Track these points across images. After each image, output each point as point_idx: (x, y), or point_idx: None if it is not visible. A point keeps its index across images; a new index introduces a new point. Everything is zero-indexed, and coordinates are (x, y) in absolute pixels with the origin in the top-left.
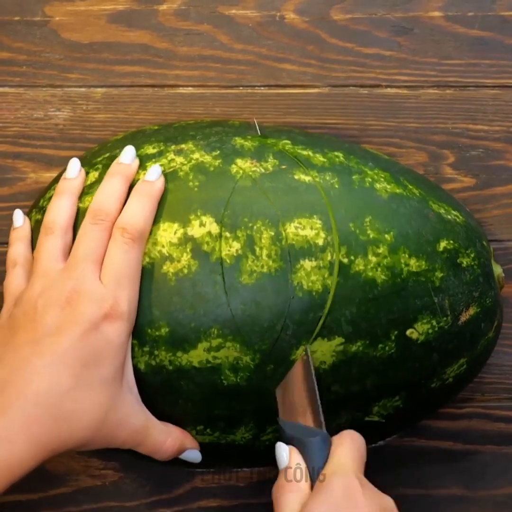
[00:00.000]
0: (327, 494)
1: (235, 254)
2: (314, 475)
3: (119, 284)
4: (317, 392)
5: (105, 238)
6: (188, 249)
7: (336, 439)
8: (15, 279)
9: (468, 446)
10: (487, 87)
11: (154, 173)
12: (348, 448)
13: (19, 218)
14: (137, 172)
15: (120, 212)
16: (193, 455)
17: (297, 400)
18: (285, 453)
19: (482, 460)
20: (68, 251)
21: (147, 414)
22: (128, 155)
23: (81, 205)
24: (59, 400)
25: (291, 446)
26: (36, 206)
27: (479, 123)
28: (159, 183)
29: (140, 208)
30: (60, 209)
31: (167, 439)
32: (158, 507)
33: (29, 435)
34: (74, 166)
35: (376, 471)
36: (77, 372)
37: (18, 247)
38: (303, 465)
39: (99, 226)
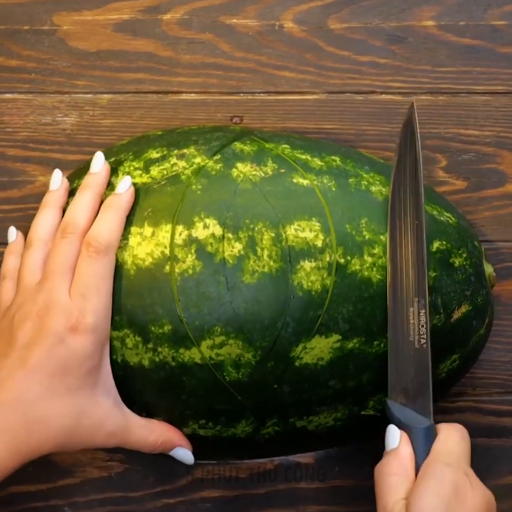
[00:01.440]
0: (437, 487)
1: (237, 255)
2: (419, 463)
3: (85, 297)
4: (430, 380)
5: (74, 250)
6: (192, 250)
7: (444, 429)
8: (5, 293)
9: None
10: (478, 94)
11: (123, 186)
12: (457, 440)
13: (12, 233)
14: (142, 175)
15: (92, 222)
16: (184, 454)
17: (409, 384)
18: (396, 436)
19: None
20: None
21: (126, 415)
22: (97, 163)
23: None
24: (27, 408)
25: (402, 431)
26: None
27: (470, 128)
28: (126, 195)
29: (106, 222)
30: (41, 223)
31: (150, 436)
32: (162, 498)
33: (3, 439)
34: (56, 178)
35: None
36: (45, 383)
37: (9, 261)
38: (412, 450)
39: (67, 239)
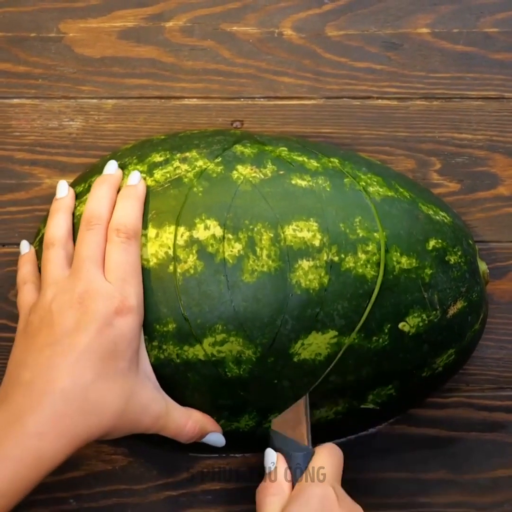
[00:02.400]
0: (304, 501)
1: (237, 255)
2: (295, 484)
3: (125, 281)
4: (308, 412)
5: (102, 240)
6: (194, 251)
7: (318, 451)
8: (27, 294)
9: (453, 433)
10: (471, 99)
11: (135, 178)
12: (326, 459)
13: (25, 246)
14: (145, 178)
15: (111, 215)
16: (216, 438)
17: (290, 415)
18: (273, 459)
19: (466, 446)
20: (71, 260)
21: (166, 399)
22: (111, 167)
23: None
24: (83, 394)
25: (278, 453)
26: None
27: (464, 132)
28: (141, 185)
29: (129, 209)
30: (57, 225)
31: (188, 422)
32: (164, 490)
33: (59, 429)
34: (63, 187)
35: (368, 456)
36: (97, 366)
37: (26, 268)
38: (288, 471)
39: (94, 230)
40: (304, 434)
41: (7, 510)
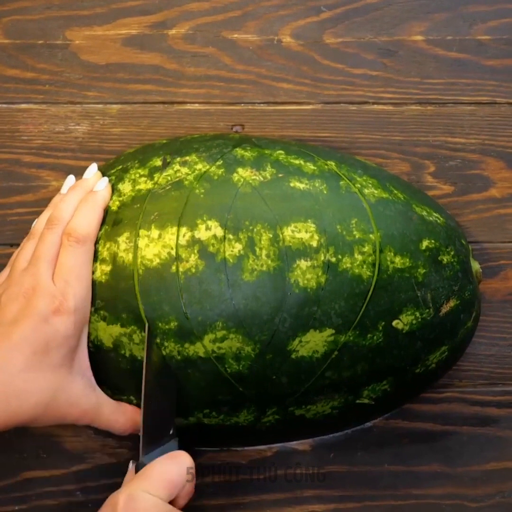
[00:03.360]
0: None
1: (237, 254)
2: None
3: (67, 283)
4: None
5: (57, 241)
6: (195, 251)
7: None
8: (0, 277)
9: (447, 427)
10: (464, 104)
11: (101, 184)
12: (152, 467)
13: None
14: (146, 181)
15: None
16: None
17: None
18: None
19: (459, 440)
20: None
21: (99, 395)
22: (90, 172)
23: None
24: (9, 379)
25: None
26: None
27: (457, 136)
28: (104, 192)
29: (84, 215)
30: (42, 218)
31: (121, 417)
32: None
33: None
34: (69, 182)
35: (364, 449)
36: (28, 357)
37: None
38: None
39: (51, 230)
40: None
41: None
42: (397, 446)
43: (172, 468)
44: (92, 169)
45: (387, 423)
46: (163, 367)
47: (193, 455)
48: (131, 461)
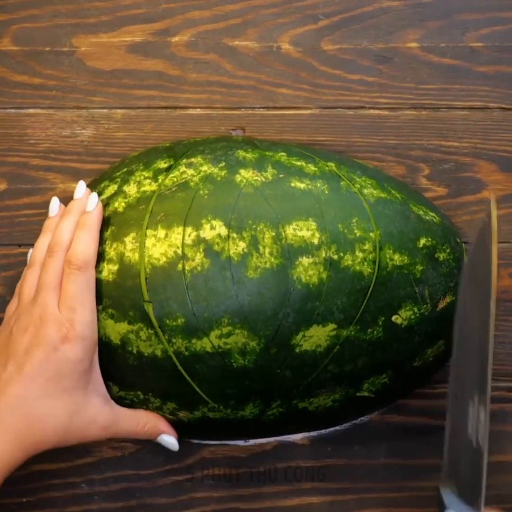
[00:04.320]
0: None
1: (241, 253)
2: None
3: (72, 310)
4: (484, 480)
5: (59, 267)
6: (201, 249)
7: None
8: (9, 309)
9: (441, 421)
10: (457, 109)
11: (91, 203)
12: None
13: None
14: (151, 183)
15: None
16: (169, 440)
17: (463, 478)
18: None
19: None
20: None
21: (115, 409)
22: (79, 190)
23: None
24: (28, 409)
25: None
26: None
27: (450, 140)
28: (96, 212)
29: (81, 241)
30: (39, 245)
31: (137, 425)
32: (171, 475)
33: (7, 437)
34: (54, 205)
35: (361, 443)
36: (42, 386)
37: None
38: None
39: (53, 258)
40: (479, 502)
41: None
42: (392, 440)
43: None
44: (81, 188)
45: (383, 418)
46: None
47: (195, 448)
48: None
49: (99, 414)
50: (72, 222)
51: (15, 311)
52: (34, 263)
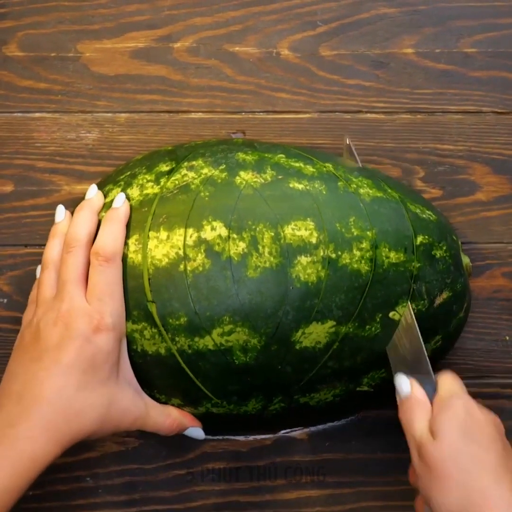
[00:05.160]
0: (452, 412)
1: (241, 252)
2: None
3: (101, 301)
4: (422, 344)
5: (80, 261)
6: (202, 250)
7: (441, 376)
8: (28, 311)
9: None
10: (452, 113)
11: (119, 200)
12: (454, 379)
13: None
14: (153, 186)
15: (92, 236)
16: (196, 432)
17: (405, 354)
18: (407, 383)
19: None
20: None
21: (146, 401)
22: (91, 192)
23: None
24: (67, 403)
25: (411, 378)
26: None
27: (445, 143)
28: (124, 208)
29: (109, 233)
30: (52, 248)
31: (167, 419)
32: (173, 469)
33: (47, 434)
34: (60, 212)
35: (358, 438)
36: (78, 378)
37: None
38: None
39: (72, 253)
40: (425, 366)
41: (9, 505)
42: (389, 434)
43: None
44: (93, 190)
45: (380, 414)
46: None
47: (197, 443)
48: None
49: (132, 404)
50: (86, 217)
51: (35, 313)
52: (49, 264)
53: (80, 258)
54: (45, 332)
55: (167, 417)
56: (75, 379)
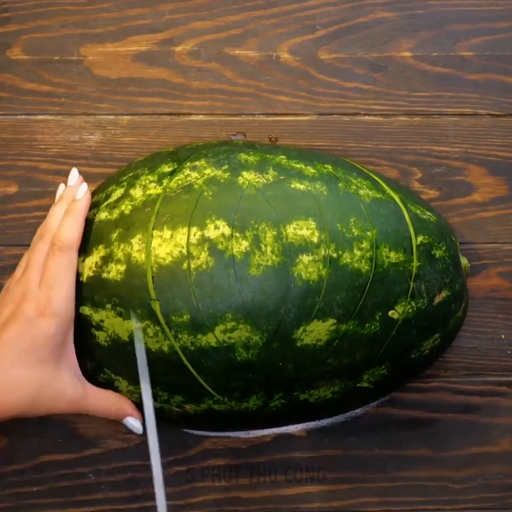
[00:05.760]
0: None
1: (244, 251)
2: None
3: (50, 288)
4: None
5: (46, 249)
6: (205, 248)
7: None
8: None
9: (433, 414)
10: (449, 115)
11: (80, 192)
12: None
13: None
14: (156, 187)
15: None
16: (133, 423)
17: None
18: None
19: (444, 426)
20: None
21: (85, 387)
22: (72, 178)
23: (109, 216)
24: (2, 375)
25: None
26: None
27: (442, 145)
28: (84, 200)
29: (66, 225)
30: (38, 232)
31: (105, 404)
32: (174, 466)
33: None
34: (74, 175)
35: (356, 435)
36: (16, 355)
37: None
38: None
39: (41, 241)
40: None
41: None
42: (386, 432)
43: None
44: (74, 175)
45: (378, 411)
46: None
47: (198, 439)
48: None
49: (68, 388)
50: (62, 209)
51: (4, 288)
52: (31, 248)
53: (46, 247)
54: (1, 310)
55: (106, 401)
56: (11, 356)
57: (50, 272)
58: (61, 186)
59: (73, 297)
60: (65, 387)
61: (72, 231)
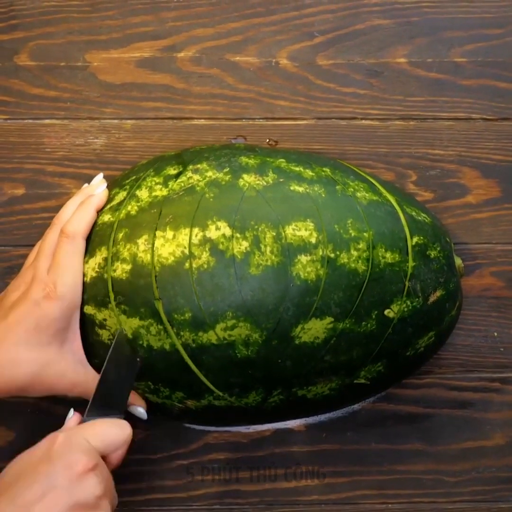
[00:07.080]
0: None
1: (244, 251)
2: None
3: (57, 273)
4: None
5: (56, 238)
6: (207, 248)
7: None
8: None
9: (428, 410)
10: (443, 120)
11: (98, 189)
12: (98, 423)
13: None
14: (162, 189)
15: None
16: (139, 411)
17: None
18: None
19: (439, 421)
20: None
21: (88, 372)
22: (96, 179)
23: (112, 218)
24: (4, 352)
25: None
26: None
27: (437, 149)
28: (99, 196)
29: (78, 215)
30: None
31: None
32: (177, 459)
33: None
34: (98, 178)
35: (353, 430)
36: (20, 334)
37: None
38: None
39: (52, 230)
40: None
41: None
42: (383, 427)
43: (113, 430)
44: (98, 177)
45: (374, 406)
46: (131, 356)
47: (200, 434)
48: (72, 409)
49: (70, 370)
50: (76, 202)
51: (19, 274)
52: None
53: (57, 235)
54: (9, 294)
55: None
56: (16, 334)
57: (57, 259)
58: (85, 186)
59: (79, 283)
60: (67, 369)
61: (80, 221)
